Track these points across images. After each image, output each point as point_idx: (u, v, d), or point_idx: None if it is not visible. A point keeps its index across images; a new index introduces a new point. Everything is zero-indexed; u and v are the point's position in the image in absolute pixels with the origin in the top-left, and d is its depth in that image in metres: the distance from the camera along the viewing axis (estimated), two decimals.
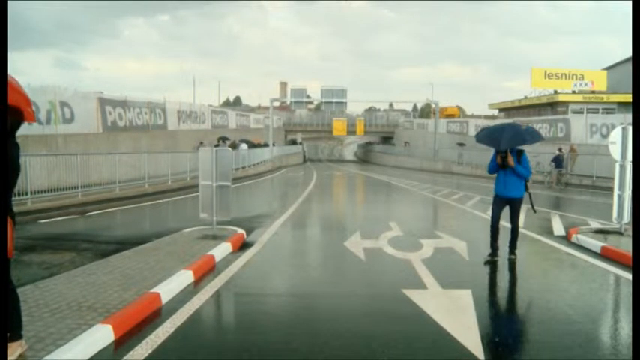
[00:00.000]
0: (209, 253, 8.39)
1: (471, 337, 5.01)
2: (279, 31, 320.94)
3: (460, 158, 45.28)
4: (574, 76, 51.68)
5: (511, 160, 8.51)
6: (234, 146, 36.34)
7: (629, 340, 5.32)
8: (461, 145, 49.81)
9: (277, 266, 8.77)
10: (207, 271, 7.70)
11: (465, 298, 6.39)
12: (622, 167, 10.60)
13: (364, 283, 7.63)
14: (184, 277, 6.99)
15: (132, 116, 27.51)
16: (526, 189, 8.79)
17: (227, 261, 8.44)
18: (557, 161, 29.21)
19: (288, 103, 77.41)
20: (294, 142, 76.86)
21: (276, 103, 64.09)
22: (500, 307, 6.35)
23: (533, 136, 8.74)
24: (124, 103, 26.73)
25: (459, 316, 5.71)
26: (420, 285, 7.04)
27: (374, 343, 5.02)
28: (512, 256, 8.83)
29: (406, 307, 6.09)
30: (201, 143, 29.85)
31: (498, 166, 8.73)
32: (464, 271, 8.23)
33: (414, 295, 6.47)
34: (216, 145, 35.86)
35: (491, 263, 8.56)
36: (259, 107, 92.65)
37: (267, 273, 8.28)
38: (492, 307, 6.24)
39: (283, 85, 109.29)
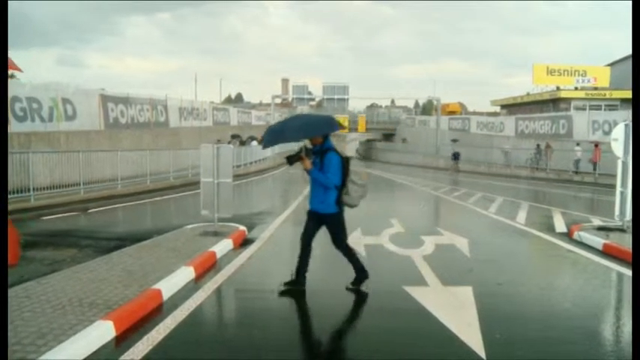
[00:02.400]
0: (210, 249, 8.41)
1: (472, 334, 5.01)
2: (280, 28, 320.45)
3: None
4: (577, 73, 51.45)
5: (307, 162, 6.68)
6: (243, 143, 37.70)
7: (630, 337, 5.34)
8: (454, 141, 50.48)
9: (279, 263, 8.76)
10: (208, 268, 7.71)
11: (466, 294, 6.39)
12: (624, 164, 10.58)
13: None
14: (186, 274, 7.01)
15: (134, 113, 27.56)
16: (340, 202, 6.76)
17: (228, 258, 8.45)
18: (455, 156, 43.89)
19: (289, 99, 77.44)
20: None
21: (278, 100, 64.23)
22: (501, 304, 6.33)
23: (330, 125, 7.11)
24: (126, 100, 26.78)
25: (459, 313, 5.72)
26: (421, 282, 7.05)
27: (374, 339, 5.04)
28: (352, 286, 6.75)
29: (407, 304, 6.10)
30: (218, 141, 30.66)
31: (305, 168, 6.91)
32: (465, 267, 8.22)
33: (415, 292, 6.47)
34: (229, 142, 37.05)
35: (290, 292, 6.72)
36: (261, 104, 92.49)
37: (268, 270, 8.30)
38: (493, 303, 6.23)
39: (285, 82, 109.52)
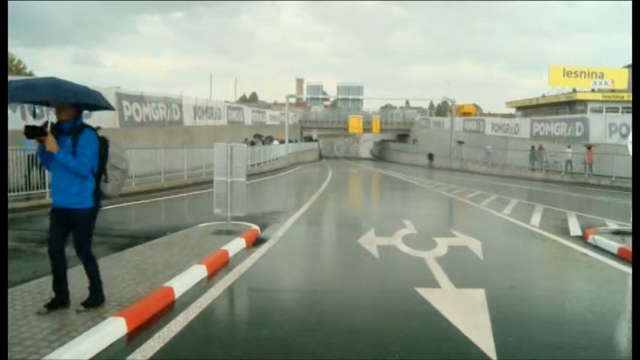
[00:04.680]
0: (223, 248, 8.42)
1: (484, 337, 4.98)
2: (293, 28, 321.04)
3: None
4: (594, 75, 51.02)
5: (51, 141, 4.85)
6: (264, 142, 40.49)
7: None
8: (460, 143, 51.64)
9: (291, 263, 8.79)
10: (220, 267, 7.72)
11: (478, 297, 6.35)
12: None
13: (377, 280, 7.62)
14: (198, 272, 7.02)
15: (149, 111, 27.68)
16: (98, 195, 5.25)
17: (241, 256, 8.46)
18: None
19: (304, 99, 77.43)
20: (309, 139, 76.87)
21: (292, 100, 64.25)
22: (514, 307, 6.28)
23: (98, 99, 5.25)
24: (141, 99, 26.90)
25: (472, 315, 5.68)
26: (434, 284, 7.01)
27: (386, 340, 5.01)
28: (82, 308, 5.17)
29: (419, 306, 6.07)
30: (246, 140, 31.39)
31: (42, 151, 5.04)
32: (478, 270, 8.18)
33: (428, 294, 6.44)
34: (252, 142, 38.15)
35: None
36: (275, 104, 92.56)
37: (280, 269, 8.30)
38: (506, 306, 6.18)
39: (299, 81, 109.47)
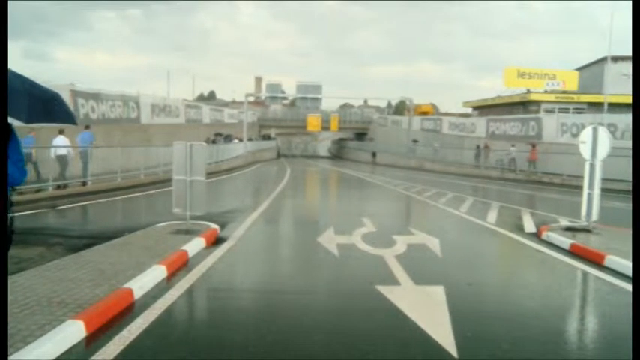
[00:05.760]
0: (182, 248, 8.34)
1: (444, 333, 5.07)
2: (252, 26, 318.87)
3: (431, 155, 46.83)
4: (546, 76, 52.30)
5: None
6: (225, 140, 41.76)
7: (596, 335, 5.54)
8: (415, 142, 52.98)
9: (251, 262, 8.77)
10: (180, 267, 7.65)
11: (437, 294, 6.46)
12: (592, 166, 10.80)
13: (337, 279, 7.67)
14: (157, 273, 6.94)
15: (105, 109, 27.18)
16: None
17: (201, 256, 8.39)
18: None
19: (262, 98, 77.21)
20: (268, 138, 76.66)
21: (251, 98, 63.96)
22: (472, 303, 6.41)
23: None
24: (97, 96, 26.40)
25: (431, 312, 5.77)
26: (393, 281, 7.09)
27: (347, 338, 5.06)
28: None
29: (379, 303, 6.13)
30: (208, 138, 31.22)
31: None
32: (437, 267, 8.31)
33: (388, 292, 6.51)
34: (213, 141, 38.04)
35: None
36: (233, 102, 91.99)
37: (240, 269, 8.27)
38: (464, 303, 6.30)
39: (258, 80, 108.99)
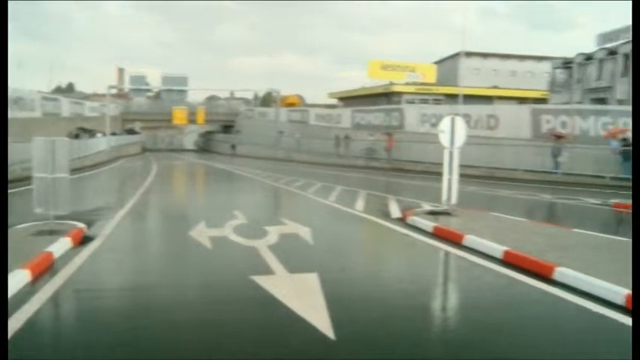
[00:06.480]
0: (47, 250, 7.94)
1: (321, 318, 5.28)
2: (115, 16, 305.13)
3: (297, 145, 47.67)
4: (407, 69, 54.77)
5: None
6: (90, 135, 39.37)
7: (459, 307, 6.18)
8: (280, 132, 53.97)
9: (121, 260, 8.53)
10: (45, 270, 7.29)
11: (311, 281, 6.68)
12: (451, 153, 11.58)
13: (212, 272, 7.71)
14: (20, 277, 6.58)
15: None
16: None
17: (67, 257, 8.02)
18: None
19: (126, 90, 74.44)
20: (132, 131, 74.03)
21: (114, 91, 61.58)
22: (346, 287, 6.72)
23: None
24: None
25: (307, 298, 5.97)
26: (268, 271, 7.23)
27: (223, 329, 5.14)
28: None
29: (255, 293, 6.23)
30: (70, 133, 29.59)
31: None
32: (309, 255, 8.59)
33: (263, 281, 6.63)
34: (76, 135, 35.93)
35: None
36: (95, 95, 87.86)
37: (110, 267, 8.03)
38: (338, 287, 6.58)
39: (121, 71, 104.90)
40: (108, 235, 9.93)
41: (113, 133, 50.78)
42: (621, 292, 5.86)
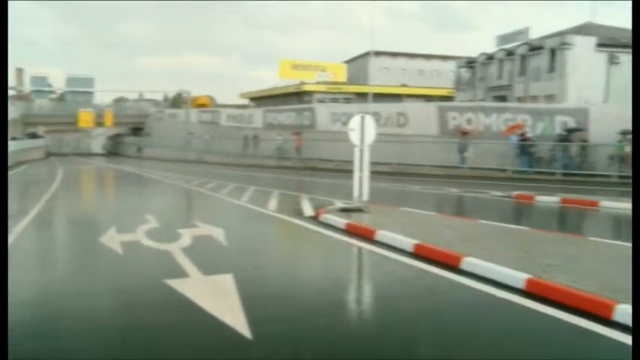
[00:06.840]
0: None
1: (237, 318, 5.25)
2: (10, 11, 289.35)
3: (208, 147, 47.69)
4: (318, 68, 55.39)
5: None
6: None
7: (371, 300, 6.38)
8: (190, 134, 53.52)
9: (27, 271, 8.09)
10: None
11: (227, 282, 6.63)
12: (361, 151, 11.82)
13: (124, 277, 7.51)
14: None
15: None
16: None
17: None
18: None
19: (26, 92, 70.98)
20: (34, 136, 70.71)
21: (13, 92, 58.62)
22: (261, 287, 6.74)
23: None
24: None
25: (223, 299, 5.94)
26: (182, 274, 7.12)
27: (138, 333, 5.06)
28: None
29: (170, 297, 6.14)
30: None
31: None
32: (223, 256, 8.58)
33: (178, 285, 6.52)
34: None
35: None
36: None
37: (15, 280, 7.63)
38: (253, 287, 6.59)
39: (19, 71, 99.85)
40: (11, 245, 9.46)
41: (13, 138, 48.31)
42: (521, 277, 6.24)
